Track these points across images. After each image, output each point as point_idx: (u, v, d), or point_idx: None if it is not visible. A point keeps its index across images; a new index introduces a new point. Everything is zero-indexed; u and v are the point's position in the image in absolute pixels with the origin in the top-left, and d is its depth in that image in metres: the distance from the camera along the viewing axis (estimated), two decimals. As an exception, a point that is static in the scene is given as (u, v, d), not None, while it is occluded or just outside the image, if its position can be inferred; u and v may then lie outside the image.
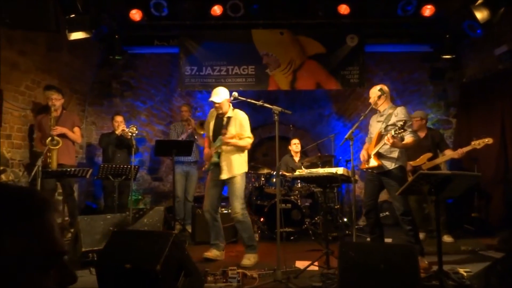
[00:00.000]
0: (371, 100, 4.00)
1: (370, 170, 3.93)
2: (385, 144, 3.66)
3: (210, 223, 4.07)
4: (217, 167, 4.03)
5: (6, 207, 0.65)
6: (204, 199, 4.11)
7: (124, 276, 2.52)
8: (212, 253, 4.04)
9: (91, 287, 3.00)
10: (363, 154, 3.94)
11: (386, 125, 3.81)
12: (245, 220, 3.94)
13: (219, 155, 4.01)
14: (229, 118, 4.02)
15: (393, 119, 3.79)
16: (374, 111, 4.09)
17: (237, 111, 4.12)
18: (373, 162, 3.80)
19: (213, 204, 4.07)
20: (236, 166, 3.99)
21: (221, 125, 4.03)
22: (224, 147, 3.98)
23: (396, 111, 3.83)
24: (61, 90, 5.07)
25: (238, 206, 3.93)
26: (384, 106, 3.90)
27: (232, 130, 3.97)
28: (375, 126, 3.97)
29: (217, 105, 3.98)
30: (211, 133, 4.13)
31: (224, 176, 3.96)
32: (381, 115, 3.93)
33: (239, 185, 3.98)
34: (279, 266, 3.19)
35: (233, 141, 3.93)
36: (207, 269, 3.32)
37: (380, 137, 3.78)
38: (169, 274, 2.51)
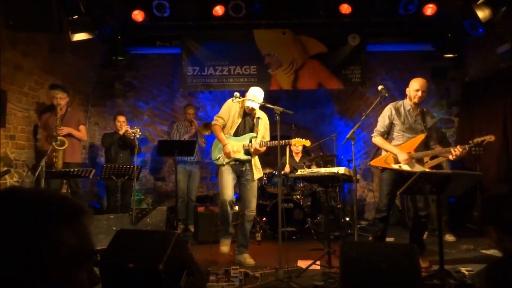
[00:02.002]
0: (424, 94, 3.68)
1: (396, 171, 3.70)
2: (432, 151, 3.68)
3: (230, 213, 3.90)
4: (240, 163, 3.98)
5: (56, 210, 0.75)
6: (224, 189, 3.90)
7: (127, 275, 2.54)
8: (228, 247, 3.96)
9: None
10: (406, 155, 3.59)
11: (427, 128, 3.69)
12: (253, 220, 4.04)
13: (247, 152, 3.96)
14: (258, 118, 4.05)
15: (429, 122, 3.73)
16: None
17: (262, 112, 4.14)
18: (418, 167, 3.58)
19: (232, 195, 3.96)
20: (260, 167, 4.13)
21: (251, 123, 4.05)
22: (257, 148, 3.92)
23: (430, 113, 3.81)
24: (66, 89, 5.09)
25: (255, 205, 4.04)
26: None
27: (261, 130, 4.04)
28: (412, 122, 3.71)
29: (251, 107, 3.95)
30: (235, 127, 4.01)
31: (256, 176, 4.00)
32: (415, 112, 3.73)
33: (256, 185, 4.11)
34: (281, 265, 3.21)
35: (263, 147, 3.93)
36: (209, 268, 3.34)
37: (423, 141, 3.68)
38: (172, 274, 2.53)
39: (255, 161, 4.04)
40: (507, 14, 4.68)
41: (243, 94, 4.02)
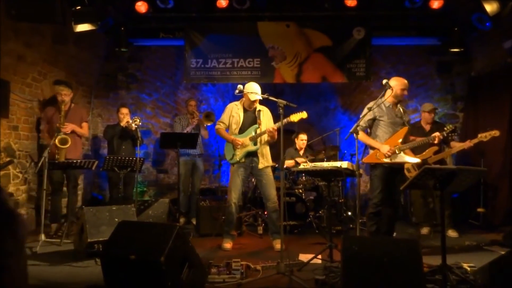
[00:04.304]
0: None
1: (387, 165, 3.83)
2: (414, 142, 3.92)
3: (235, 214, 4.24)
4: (249, 157, 4.21)
5: None
6: (231, 192, 4.21)
7: (128, 266, 2.55)
8: (231, 244, 4.24)
9: (96, 277, 3.05)
10: (388, 147, 3.76)
11: (406, 121, 3.94)
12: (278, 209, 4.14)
13: (255, 143, 4.19)
14: (259, 111, 4.26)
15: (406, 116, 3.98)
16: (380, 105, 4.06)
17: (262, 106, 4.32)
18: (411, 159, 3.84)
19: (240, 196, 4.33)
20: (269, 157, 4.32)
21: (253, 118, 4.26)
22: (262, 138, 4.18)
23: (403, 107, 4.00)
24: (71, 85, 5.08)
25: (276, 195, 4.17)
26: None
27: (264, 121, 4.23)
28: (394, 119, 3.90)
29: (252, 101, 4.16)
30: (238, 126, 4.26)
31: (261, 165, 4.21)
32: (394, 108, 3.94)
33: (272, 175, 4.28)
34: (283, 258, 3.21)
35: (275, 132, 4.09)
36: (210, 261, 3.34)
37: (407, 133, 3.89)
38: (173, 266, 2.54)
39: (262, 149, 4.23)
40: (516, 8, 4.61)
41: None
